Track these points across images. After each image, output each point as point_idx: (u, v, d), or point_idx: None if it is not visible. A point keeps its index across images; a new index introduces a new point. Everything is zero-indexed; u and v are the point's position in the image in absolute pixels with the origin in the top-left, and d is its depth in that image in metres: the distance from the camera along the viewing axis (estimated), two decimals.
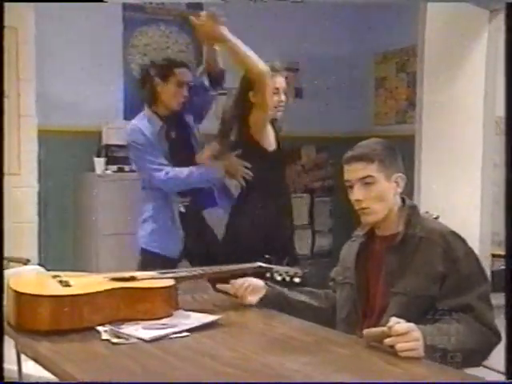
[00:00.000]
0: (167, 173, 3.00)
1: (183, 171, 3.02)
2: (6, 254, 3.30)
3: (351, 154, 1.94)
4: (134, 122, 3.13)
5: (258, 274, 2.20)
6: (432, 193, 3.72)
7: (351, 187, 1.93)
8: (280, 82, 2.93)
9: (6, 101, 3.80)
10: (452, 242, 1.85)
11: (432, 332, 1.63)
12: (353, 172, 1.92)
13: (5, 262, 3.32)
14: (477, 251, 1.93)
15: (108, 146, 4.12)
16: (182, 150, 3.14)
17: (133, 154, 3.15)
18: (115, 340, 1.68)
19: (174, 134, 3.11)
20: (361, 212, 1.93)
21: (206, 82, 3.14)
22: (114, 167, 4.08)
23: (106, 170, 4.08)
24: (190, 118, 3.19)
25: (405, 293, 1.83)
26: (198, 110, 3.22)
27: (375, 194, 1.90)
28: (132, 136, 3.07)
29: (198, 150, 3.19)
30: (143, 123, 3.06)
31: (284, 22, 4.72)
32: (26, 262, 3.37)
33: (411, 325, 1.62)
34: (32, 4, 3.79)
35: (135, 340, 1.69)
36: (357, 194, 1.90)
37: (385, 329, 1.63)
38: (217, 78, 3.15)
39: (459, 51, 3.73)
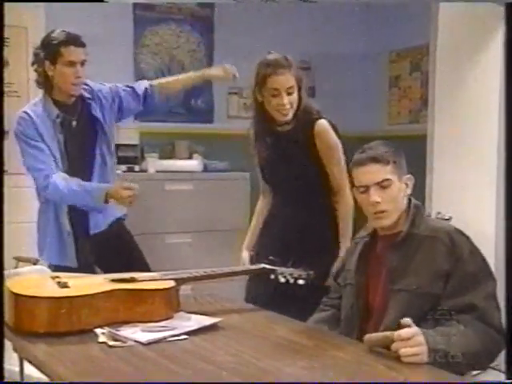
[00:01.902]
0: (47, 176, 2.65)
1: (64, 183, 2.65)
2: (16, 253, 3.33)
3: (365, 155, 1.87)
4: (25, 108, 2.74)
5: (262, 275, 2.18)
6: (445, 193, 3.67)
7: (365, 191, 1.87)
8: (279, 81, 2.48)
9: (16, 100, 3.84)
10: (457, 240, 1.81)
11: (435, 336, 1.59)
12: (369, 175, 1.86)
13: (14, 261, 3.34)
14: (492, 253, 1.88)
15: (117, 146, 4.09)
16: (81, 145, 2.79)
17: (20, 147, 2.73)
18: (112, 343, 1.66)
19: (74, 124, 2.76)
20: (376, 216, 1.86)
21: (139, 90, 2.93)
22: (124, 167, 4.06)
23: (116, 169, 4.05)
24: (97, 111, 2.82)
25: (407, 290, 1.79)
26: (119, 108, 2.92)
27: (391, 196, 1.85)
28: (19, 126, 2.69)
29: (106, 149, 2.84)
30: (36, 110, 2.72)
31: (297, 20, 4.69)
32: (36, 261, 3.37)
33: (415, 329, 1.58)
34: (42, 4, 3.79)
35: (132, 343, 1.67)
36: (374, 196, 1.84)
37: (387, 334, 1.59)
38: (162, 97, 2.97)
39: (474, 49, 3.67)
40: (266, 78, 2.49)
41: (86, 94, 2.82)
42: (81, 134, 2.79)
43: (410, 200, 1.93)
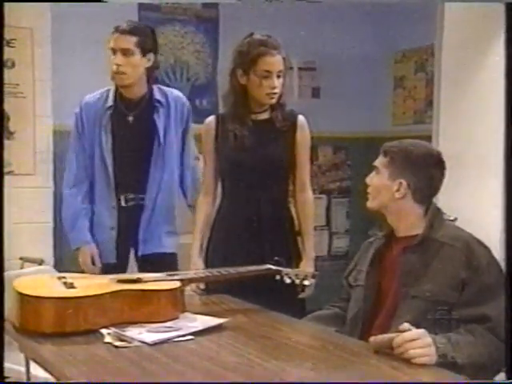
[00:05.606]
0: (71, 187, 2.80)
1: (73, 205, 2.81)
2: (22, 254, 3.34)
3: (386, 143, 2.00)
4: (86, 97, 2.81)
5: (268, 276, 2.18)
6: (450, 194, 3.66)
7: None
8: (272, 62, 2.38)
9: (22, 101, 3.84)
10: (476, 250, 1.81)
11: (442, 341, 1.59)
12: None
13: (20, 261, 3.35)
14: (497, 254, 1.87)
15: None
16: (133, 141, 2.76)
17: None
18: (118, 343, 1.66)
19: (131, 120, 2.74)
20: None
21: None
22: None
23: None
24: (160, 119, 2.74)
25: (421, 297, 1.79)
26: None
27: (375, 184, 1.97)
28: (75, 116, 2.78)
29: (160, 163, 2.75)
30: (99, 97, 2.77)
31: (302, 21, 4.69)
32: (41, 262, 3.39)
33: (423, 330, 1.59)
34: (47, 4, 3.79)
35: (138, 343, 1.67)
36: (368, 177, 2.00)
37: (393, 336, 1.59)
38: None
39: (479, 49, 3.66)
40: (257, 58, 2.39)
41: (158, 97, 2.76)
42: (135, 131, 2.75)
43: (430, 203, 1.94)
